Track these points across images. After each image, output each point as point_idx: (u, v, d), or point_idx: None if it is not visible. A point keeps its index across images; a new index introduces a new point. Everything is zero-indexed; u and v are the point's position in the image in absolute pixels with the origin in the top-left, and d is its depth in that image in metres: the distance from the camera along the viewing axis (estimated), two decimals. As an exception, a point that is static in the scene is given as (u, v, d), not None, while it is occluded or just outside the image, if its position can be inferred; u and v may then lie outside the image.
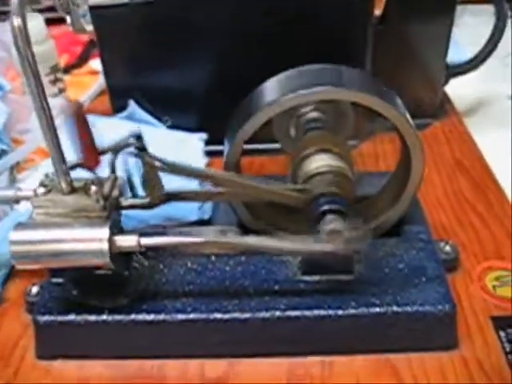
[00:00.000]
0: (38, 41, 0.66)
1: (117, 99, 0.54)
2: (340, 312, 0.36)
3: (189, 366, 0.37)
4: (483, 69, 0.59)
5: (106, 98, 0.58)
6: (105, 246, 0.33)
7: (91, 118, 0.34)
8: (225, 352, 0.37)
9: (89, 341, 0.37)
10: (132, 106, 0.53)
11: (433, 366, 0.36)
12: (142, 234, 0.34)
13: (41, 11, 0.87)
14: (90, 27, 0.53)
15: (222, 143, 0.40)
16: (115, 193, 0.36)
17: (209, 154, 0.51)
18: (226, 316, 0.36)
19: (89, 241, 0.34)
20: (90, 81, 0.74)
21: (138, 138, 0.35)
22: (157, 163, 0.35)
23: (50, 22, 0.87)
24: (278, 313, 0.36)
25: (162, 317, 0.36)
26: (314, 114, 0.42)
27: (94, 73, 0.77)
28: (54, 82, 0.69)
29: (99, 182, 0.34)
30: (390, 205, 0.41)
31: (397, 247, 0.40)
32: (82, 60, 0.81)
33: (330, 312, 0.36)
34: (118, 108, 0.54)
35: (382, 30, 0.51)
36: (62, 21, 0.95)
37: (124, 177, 0.37)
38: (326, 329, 0.36)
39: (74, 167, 0.35)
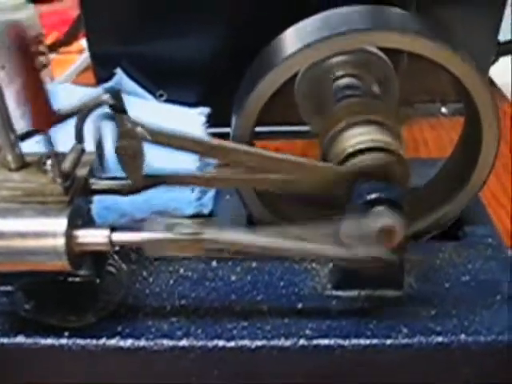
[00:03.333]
0: (14, 6, 0.56)
1: (101, 68, 0.45)
2: (388, 342, 0.26)
3: (178, 409, 0.27)
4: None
5: (92, 74, 0.48)
6: (60, 242, 0.23)
7: (51, 86, 0.25)
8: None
9: (43, 372, 0.27)
10: (119, 74, 0.43)
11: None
12: (115, 229, 0.25)
13: (29, -13, 0.79)
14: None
15: (227, 125, 0.30)
16: (82, 171, 0.27)
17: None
18: (231, 344, 0.26)
19: (40, 235, 0.24)
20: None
21: (115, 95, 0.25)
22: (139, 129, 0.25)
23: (39, 0, 0.79)
24: (302, 341, 0.26)
25: (142, 343, 0.26)
26: (350, 80, 0.33)
27: (84, 51, 0.69)
28: (36, 55, 0.59)
29: (57, 155, 0.25)
30: (450, 196, 0.31)
31: (458, 254, 0.30)
32: (70, 37, 0.72)
33: (375, 341, 0.26)
34: (102, 80, 0.45)
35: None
36: (50, -1, 0.86)
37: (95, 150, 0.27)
38: (368, 364, 0.26)
39: (26, 136, 0.26)
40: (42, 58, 0.60)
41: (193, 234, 0.23)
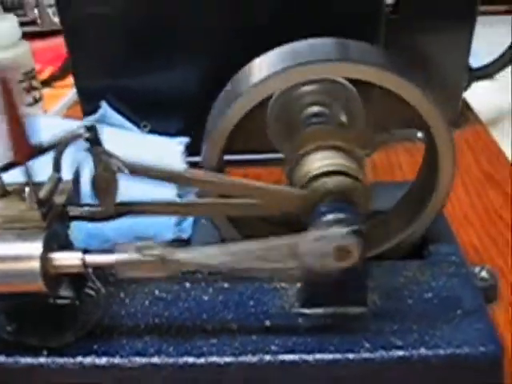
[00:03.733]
0: (9, 44, 0.59)
1: (87, 102, 0.47)
2: (351, 356, 0.27)
3: (151, 427, 0.28)
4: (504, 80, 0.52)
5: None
6: (35, 264, 0.25)
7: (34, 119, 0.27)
8: (199, 408, 0.28)
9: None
10: (104, 107, 0.45)
11: (474, 428, 0.27)
12: (88, 251, 0.26)
13: (26, 24, 0.83)
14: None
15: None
16: (60, 199, 0.28)
17: (192, 166, 0.43)
18: (201, 360, 0.27)
19: (18, 258, 0.25)
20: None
21: (91, 129, 0.27)
22: (113, 161, 0.27)
23: (34, 36, 0.83)
24: (268, 357, 0.27)
25: (116, 360, 0.27)
26: (318, 109, 0.34)
27: (75, 85, 0.71)
28: (29, 90, 0.62)
29: (35, 184, 0.26)
30: (410, 220, 0.33)
31: (421, 272, 0.31)
32: (64, 71, 0.75)
33: (338, 356, 0.27)
34: (88, 113, 0.47)
35: (395, 20, 0.44)
36: (46, 35, 0.90)
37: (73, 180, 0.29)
38: (331, 379, 0.27)
39: (6, 168, 0.28)
40: (34, 93, 0.63)
41: (157, 255, 0.25)
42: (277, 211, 0.29)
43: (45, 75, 0.76)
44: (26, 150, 0.25)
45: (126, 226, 0.32)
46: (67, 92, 0.71)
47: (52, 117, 0.46)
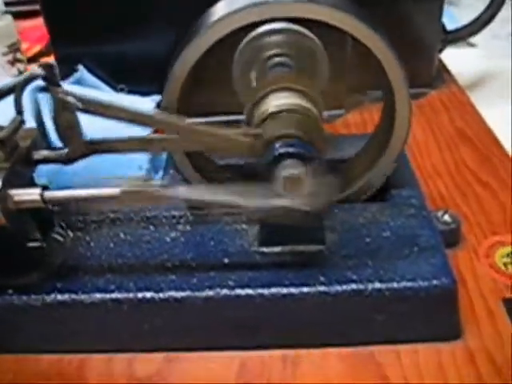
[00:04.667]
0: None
1: (65, 67, 0.47)
2: (305, 289, 0.28)
3: (114, 363, 0.29)
4: (484, 46, 0.52)
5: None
6: (-7, 198, 0.26)
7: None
8: (158, 344, 0.29)
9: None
10: (81, 70, 0.46)
11: (429, 361, 0.28)
12: (47, 188, 0.27)
13: (13, 4, 0.83)
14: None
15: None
16: (25, 143, 0.29)
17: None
18: (159, 295, 0.28)
19: (-22, 194, 0.26)
20: (58, 67, 0.69)
21: (49, 67, 0.28)
22: (70, 99, 0.28)
23: (22, 16, 0.83)
24: (224, 290, 0.28)
25: (78, 297, 0.28)
26: (281, 59, 0.35)
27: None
28: (13, 62, 0.63)
29: (-4, 126, 0.27)
30: (371, 165, 0.33)
31: (381, 213, 0.32)
32: (50, 49, 0.75)
33: (292, 290, 0.28)
34: (66, 77, 0.47)
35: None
36: (35, 14, 0.91)
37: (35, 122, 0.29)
38: (288, 313, 0.28)
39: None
40: (19, 65, 0.64)
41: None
42: (235, 152, 0.30)
43: (32, 53, 0.76)
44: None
45: (89, 166, 0.32)
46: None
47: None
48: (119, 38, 0.47)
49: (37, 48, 0.79)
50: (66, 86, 0.45)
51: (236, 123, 0.45)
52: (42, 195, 0.27)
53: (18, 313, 0.29)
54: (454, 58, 0.57)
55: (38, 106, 0.29)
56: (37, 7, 0.92)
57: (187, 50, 0.29)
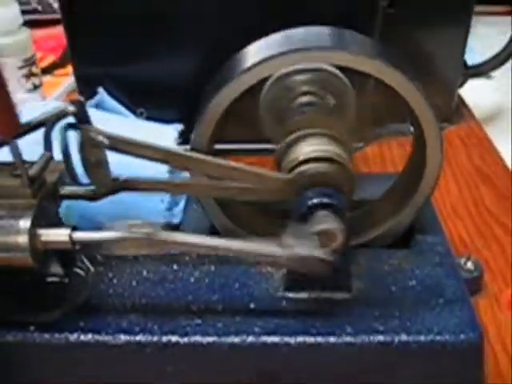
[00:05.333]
0: (10, 30, 0.60)
1: (85, 89, 0.47)
2: (332, 339, 0.28)
3: (135, 404, 0.29)
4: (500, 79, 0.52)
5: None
6: (23, 238, 0.25)
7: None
8: (181, 387, 0.29)
9: (7, 367, 0.29)
10: (101, 93, 0.46)
11: (452, 415, 0.28)
12: (77, 228, 0.27)
13: (28, 12, 0.83)
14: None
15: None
16: (51, 178, 0.29)
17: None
18: (184, 340, 0.28)
19: (7, 232, 0.26)
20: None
21: (79, 104, 0.28)
22: (100, 138, 0.27)
23: (36, 25, 0.83)
24: (250, 338, 0.28)
25: (101, 338, 0.28)
26: (309, 98, 0.35)
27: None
28: (29, 76, 0.62)
29: (25, 162, 0.27)
30: (397, 209, 0.33)
31: (407, 261, 0.32)
32: (65, 60, 0.75)
33: (319, 339, 0.27)
34: (86, 99, 0.47)
35: (391, 14, 0.44)
36: (48, 23, 0.91)
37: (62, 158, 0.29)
38: (313, 361, 0.28)
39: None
40: (34, 79, 0.63)
41: (144, 233, 0.25)
42: (264, 196, 0.30)
43: (46, 63, 0.76)
44: (12, 126, 0.25)
45: (117, 211, 0.33)
46: (67, 80, 0.72)
47: (53, 101, 0.46)
48: (139, 61, 0.47)
49: (50, 58, 0.79)
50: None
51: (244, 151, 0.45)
52: (71, 236, 0.26)
53: (38, 352, 0.29)
54: (470, 90, 0.57)
55: (65, 141, 0.28)
56: (50, 16, 0.92)
57: (222, 92, 0.29)
